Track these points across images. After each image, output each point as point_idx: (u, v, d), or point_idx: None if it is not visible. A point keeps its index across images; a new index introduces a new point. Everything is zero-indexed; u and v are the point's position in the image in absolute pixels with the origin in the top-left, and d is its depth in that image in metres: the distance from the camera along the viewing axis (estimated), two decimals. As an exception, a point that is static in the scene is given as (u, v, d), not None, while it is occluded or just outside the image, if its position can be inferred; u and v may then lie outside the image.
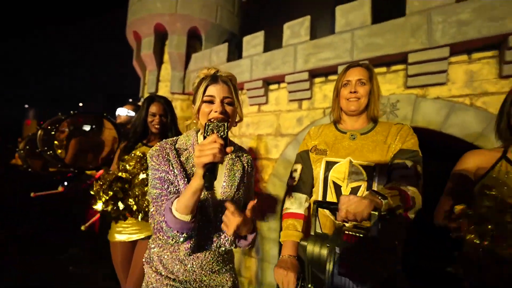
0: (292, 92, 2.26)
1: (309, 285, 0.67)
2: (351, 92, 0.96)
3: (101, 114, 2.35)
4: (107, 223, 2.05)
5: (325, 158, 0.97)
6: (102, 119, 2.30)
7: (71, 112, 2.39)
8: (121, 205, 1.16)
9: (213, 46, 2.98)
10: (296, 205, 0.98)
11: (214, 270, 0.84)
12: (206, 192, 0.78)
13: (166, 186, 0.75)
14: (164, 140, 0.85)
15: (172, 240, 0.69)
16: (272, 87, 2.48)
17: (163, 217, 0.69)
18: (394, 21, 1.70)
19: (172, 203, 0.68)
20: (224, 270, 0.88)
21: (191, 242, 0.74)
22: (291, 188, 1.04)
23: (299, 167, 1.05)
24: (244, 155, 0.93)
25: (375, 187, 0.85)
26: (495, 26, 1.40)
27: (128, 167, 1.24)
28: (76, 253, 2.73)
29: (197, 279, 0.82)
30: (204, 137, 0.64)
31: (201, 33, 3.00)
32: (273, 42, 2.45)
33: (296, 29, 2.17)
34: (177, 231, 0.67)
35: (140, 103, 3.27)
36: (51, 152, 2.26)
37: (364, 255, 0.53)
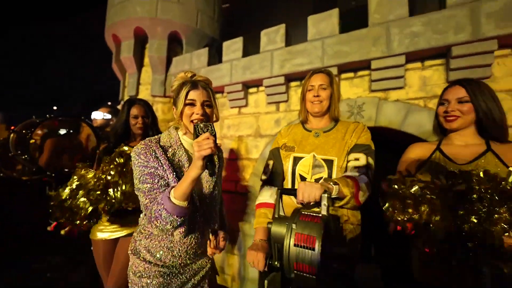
0: (270, 95, 2.38)
1: (276, 262, 0.77)
2: (314, 96, 1.09)
3: (79, 117, 2.33)
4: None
5: (293, 154, 1.09)
6: (79, 122, 2.28)
7: (47, 115, 2.34)
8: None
9: (194, 50, 3.05)
10: (267, 196, 1.08)
11: (197, 253, 0.95)
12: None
13: (156, 180, 0.84)
14: (147, 138, 0.92)
15: (170, 225, 0.78)
16: (251, 90, 2.59)
17: (162, 205, 0.77)
18: (359, 31, 1.88)
19: (169, 192, 0.77)
20: (204, 254, 0.98)
21: (185, 226, 0.85)
22: (264, 181, 1.15)
23: (271, 163, 1.16)
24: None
25: (334, 177, 0.98)
26: (440, 38, 1.62)
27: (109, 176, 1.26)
28: (54, 260, 2.64)
29: (182, 263, 0.91)
30: (197, 135, 0.75)
31: (181, 37, 3.06)
32: (252, 47, 2.58)
33: (272, 36, 2.31)
34: (176, 216, 0.77)
35: (119, 106, 3.25)
36: (26, 156, 2.20)
37: (315, 229, 0.64)
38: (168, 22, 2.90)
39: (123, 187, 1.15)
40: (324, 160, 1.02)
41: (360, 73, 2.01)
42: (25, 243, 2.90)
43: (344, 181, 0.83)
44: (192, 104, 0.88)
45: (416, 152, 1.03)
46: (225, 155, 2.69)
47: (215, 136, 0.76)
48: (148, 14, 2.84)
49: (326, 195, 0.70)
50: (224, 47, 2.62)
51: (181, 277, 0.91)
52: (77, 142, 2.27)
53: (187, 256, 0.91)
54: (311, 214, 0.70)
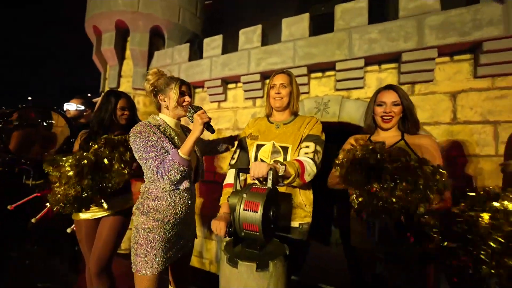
0: (247, 91, 2.54)
1: (232, 228, 0.95)
2: (276, 93, 1.26)
3: (51, 107, 2.31)
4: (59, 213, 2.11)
5: (256, 142, 1.26)
6: (51, 113, 2.27)
7: (19, 105, 2.33)
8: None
9: (176, 45, 3.12)
10: (232, 178, 1.25)
11: (191, 212, 1.26)
12: None
13: (159, 149, 1.09)
14: (139, 122, 1.16)
15: (179, 174, 1.06)
16: (230, 86, 2.74)
17: (174, 160, 1.04)
18: (325, 35, 2.08)
19: (177, 151, 1.06)
20: (192, 217, 1.31)
21: (187, 179, 1.16)
22: (231, 166, 1.31)
23: (238, 150, 1.33)
24: None
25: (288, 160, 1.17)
26: (393, 45, 1.85)
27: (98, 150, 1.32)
28: (32, 249, 2.67)
29: (182, 221, 1.18)
30: (194, 111, 1.08)
31: (163, 32, 3.12)
32: (231, 45, 2.72)
33: (249, 36, 2.45)
34: (184, 167, 1.05)
35: (97, 99, 3.26)
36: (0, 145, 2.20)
37: (260, 197, 0.82)
38: (150, 16, 2.95)
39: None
40: (281, 147, 1.20)
41: (327, 73, 2.22)
42: (2, 232, 2.89)
43: (292, 163, 1.01)
44: (184, 94, 1.21)
45: (352, 142, 1.24)
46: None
47: (205, 111, 1.10)
48: (130, 8, 2.88)
49: (271, 172, 0.88)
50: (205, 44, 2.73)
51: (177, 236, 1.17)
52: (50, 133, 2.28)
53: (186, 214, 1.19)
54: (260, 187, 0.87)
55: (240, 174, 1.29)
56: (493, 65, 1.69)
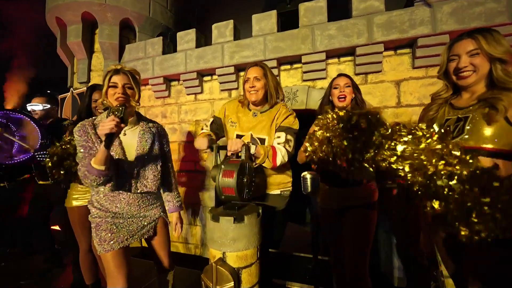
0: (222, 83, 2.69)
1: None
2: (250, 87, 1.39)
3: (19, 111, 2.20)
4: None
5: (235, 131, 1.41)
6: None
7: None
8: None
9: (147, 38, 3.13)
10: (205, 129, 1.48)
11: (141, 206, 1.20)
12: (121, 152, 1.13)
13: (87, 150, 1.07)
14: (85, 119, 1.15)
15: (94, 182, 1.03)
16: (205, 78, 2.85)
17: (86, 168, 1.02)
18: (292, 31, 2.30)
19: (91, 159, 1.01)
20: (151, 207, 1.24)
21: (111, 183, 1.11)
22: (206, 126, 1.52)
23: (211, 119, 1.51)
24: (155, 125, 1.31)
25: None
26: (348, 40, 2.13)
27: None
28: (9, 251, 2.61)
29: (128, 213, 1.16)
30: (107, 117, 0.99)
31: (134, 24, 3.10)
32: (206, 37, 2.82)
33: (222, 30, 2.58)
34: (95, 176, 1.02)
35: (65, 95, 3.17)
36: None
37: (235, 166, 1.02)
38: (119, 9, 2.92)
39: None
40: (259, 138, 1.37)
41: (295, 65, 2.45)
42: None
43: (264, 146, 1.21)
44: (115, 86, 1.09)
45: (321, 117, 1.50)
46: (184, 138, 2.94)
47: (122, 118, 0.96)
48: (97, 0, 2.82)
49: (244, 147, 1.07)
50: (178, 37, 2.80)
51: (128, 221, 1.16)
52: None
53: (131, 208, 1.17)
54: (235, 159, 1.07)
55: (207, 128, 1.51)
56: (426, 58, 2.04)
